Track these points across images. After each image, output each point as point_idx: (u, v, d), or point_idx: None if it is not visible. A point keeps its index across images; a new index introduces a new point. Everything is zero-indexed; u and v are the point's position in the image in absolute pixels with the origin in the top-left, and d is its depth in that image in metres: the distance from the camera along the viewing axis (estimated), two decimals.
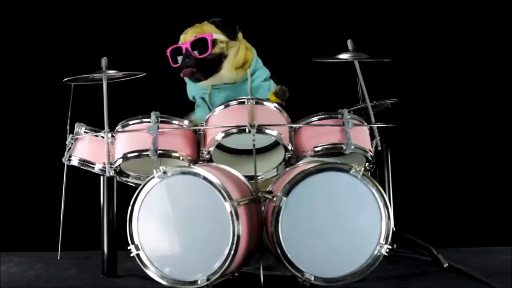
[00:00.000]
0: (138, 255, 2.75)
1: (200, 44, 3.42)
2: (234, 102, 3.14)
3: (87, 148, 3.37)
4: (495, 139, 4.22)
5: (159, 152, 3.08)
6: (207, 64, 3.44)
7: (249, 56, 3.53)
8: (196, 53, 3.41)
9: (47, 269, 3.32)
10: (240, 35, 3.54)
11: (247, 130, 3.02)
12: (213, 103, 3.47)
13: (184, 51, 3.42)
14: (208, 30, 3.47)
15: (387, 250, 2.75)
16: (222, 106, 3.15)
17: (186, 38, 3.48)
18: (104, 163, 3.22)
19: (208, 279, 2.65)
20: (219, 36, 3.44)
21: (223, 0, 4.15)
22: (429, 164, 4.19)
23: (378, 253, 2.75)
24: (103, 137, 3.22)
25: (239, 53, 3.49)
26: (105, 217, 3.06)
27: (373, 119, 3.26)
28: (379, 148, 3.30)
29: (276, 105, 3.17)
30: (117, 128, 3.20)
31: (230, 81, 3.49)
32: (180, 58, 3.46)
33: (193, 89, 3.58)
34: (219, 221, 2.65)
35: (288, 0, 4.30)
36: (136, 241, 2.75)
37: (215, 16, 3.52)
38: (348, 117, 3.12)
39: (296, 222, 2.72)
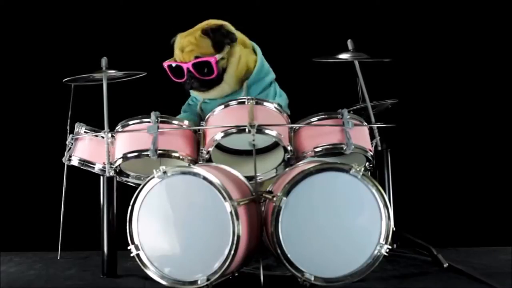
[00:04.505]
0: (138, 255, 2.75)
1: (203, 66, 3.36)
2: (234, 102, 3.13)
3: (87, 148, 3.37)
4: (495, 139, 4.22)
5: (159, 152, 3.08)
6: (212, 83, 3.42)
7: (251, 63, 3.48)
8: (199, 74, 3.37)
9: (47, 269, 3.31)
10: (241, 35, 3.49)
11: (247, 130, 3.02)
12: (204, 111, 3.46)
13: (186, 71, 3.37)
14: (204, 47, 3.37)
15: (387, 250, 2.75)
16: (222, 106, 3.14)
17: (185, 57, 3.38)
18: (104, 163, 3.22)
19: (208, 279, 2.65)
20: (220, 55, 3.37)
21: (223, 0, 4.15)
22: (429, 164, 4.19)
23: (378, 253, 2.75)
24: (103, 137, 3.22)
25: (240, 63, 3.44)
26: (105, 217, 3.06)
27: (373, 119, 3.26)
28: (379, 148, 3.30)
29: (276, 105, 3.17)
30: (117, 128, 3.20)
31: (231, 92, 3.46)
32: (174, 73, 3.41)
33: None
34: (219, 221, 2.65)
35: (288, 0, 4.30)
36: (136, 241, 2.75)
37: (215, 17, 3.51)
38: (348, 117, 3.11)
39: (296, 222, 2.72)
